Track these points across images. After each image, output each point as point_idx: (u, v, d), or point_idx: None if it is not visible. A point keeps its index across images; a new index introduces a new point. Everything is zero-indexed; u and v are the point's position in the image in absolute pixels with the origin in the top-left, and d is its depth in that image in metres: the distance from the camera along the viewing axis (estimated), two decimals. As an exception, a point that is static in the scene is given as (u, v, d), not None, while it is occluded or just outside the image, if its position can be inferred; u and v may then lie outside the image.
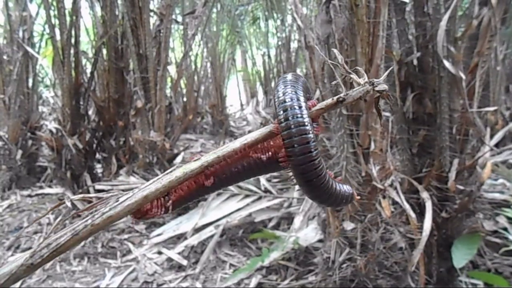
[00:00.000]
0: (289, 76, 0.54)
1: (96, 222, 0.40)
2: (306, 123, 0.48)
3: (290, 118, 0.48)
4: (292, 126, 0.48)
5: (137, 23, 3.32)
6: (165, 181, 0.44)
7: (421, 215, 1.78)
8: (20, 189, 4.11)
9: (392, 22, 1.85)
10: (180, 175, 0.45)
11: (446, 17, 1.64)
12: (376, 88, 0.49)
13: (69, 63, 3.31)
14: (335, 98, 0.50)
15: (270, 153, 0.53)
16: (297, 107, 0.49)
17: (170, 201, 0.49)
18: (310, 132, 0.48)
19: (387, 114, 1.83)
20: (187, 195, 0.51)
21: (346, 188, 0.54)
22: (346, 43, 1.60)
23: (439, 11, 1.75)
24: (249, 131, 6.10)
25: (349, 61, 1.60)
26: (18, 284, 2.43)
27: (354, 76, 0.51)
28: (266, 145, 0.53)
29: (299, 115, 0.48)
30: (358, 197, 0.56)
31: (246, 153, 0.52)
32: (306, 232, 2.45)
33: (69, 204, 0.44)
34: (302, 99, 0.50)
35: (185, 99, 6.23)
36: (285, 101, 0.49)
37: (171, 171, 0.47)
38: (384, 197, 1.69)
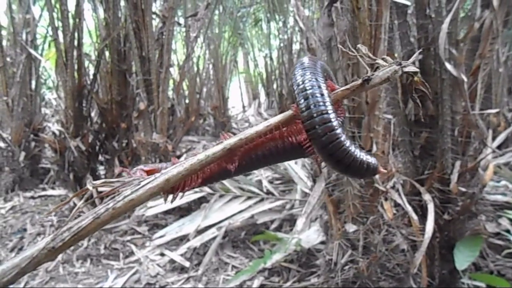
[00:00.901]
0: (307, 60, 0.51)
1: (118, 206, 0.40)
2: (330, 111, 0.46)
3: (312, 108, 0.46)
4: (315, 116, 0.45)
5: (140, 25, 3.33)
6: (187, 164, 0.44)
7: (423, 217, 1.78)
8: (23, 191, 4.13)
9: (394, 24, 1.85)
10: (203, 158, 0.44)
11: (447, 20, 1.64)
12: (405, 69, 0.46)
13: (72, 65, 3.33)
14: (360, 79, 0.47)
15: (294, 137, 0.51)
16: (318, 95, 0.46)
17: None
18: (334, 120, 0.46)
19: (389, 116, 1.83)
20: (209, 177, 0.51)
21: (372, 159, 0.51)
22: (348, 46, 1.60)
23: (440, 14, 1.75)
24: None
25: (351, 64, 1.60)
26: (22, 284, 2.44)
27: (380, 61, 0.49)
28: (289, 130, 0.51)
29: (321, 104, 0.46)
30: (384, 171, 0.53)
31: (269, 138, 0.51)
32: (308, 234, 2.46)
33: (91, 188, 0.44)
34: (322, 85, 0.47)
35: (187, 101, 6.24)
36: (305, 89, 0.47)
37: (193, 155, 0.46)
38: (386, 199, 1.69)
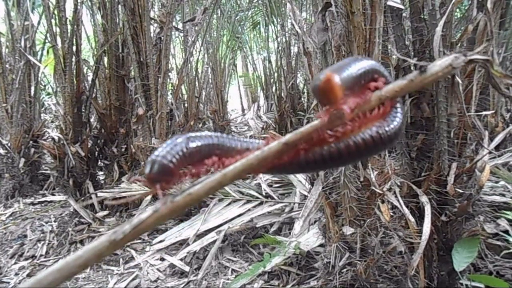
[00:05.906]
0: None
1: (176, 200, 0.41)
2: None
3: None
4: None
5: (138, 31, 3.35)
6: (244, 160, 0.44)
7: (420, 219, 1.79)
8: (23, 197, 4.14)
9: (389, 28, 1.86)
10: (259, 153, 0.45)
11: (441, 23, 1.65)
12: (469, 57, 0.40)
13: (71, 71, 3.34)
14: (416, 69, 0.41)
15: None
16: None
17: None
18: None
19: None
20: (270, 168, 0.48)
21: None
22: (343, 50, 1.62)
23: (435, 17, 1.76)
24: (251, 136, 6.07)
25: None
26: (21, 292, 2.44)
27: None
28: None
29: None
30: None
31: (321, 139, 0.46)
32: (307, 237, 2.46)
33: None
34: None
35: (186, 105, 6.25)
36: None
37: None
38: (383, 202, 1.70)
